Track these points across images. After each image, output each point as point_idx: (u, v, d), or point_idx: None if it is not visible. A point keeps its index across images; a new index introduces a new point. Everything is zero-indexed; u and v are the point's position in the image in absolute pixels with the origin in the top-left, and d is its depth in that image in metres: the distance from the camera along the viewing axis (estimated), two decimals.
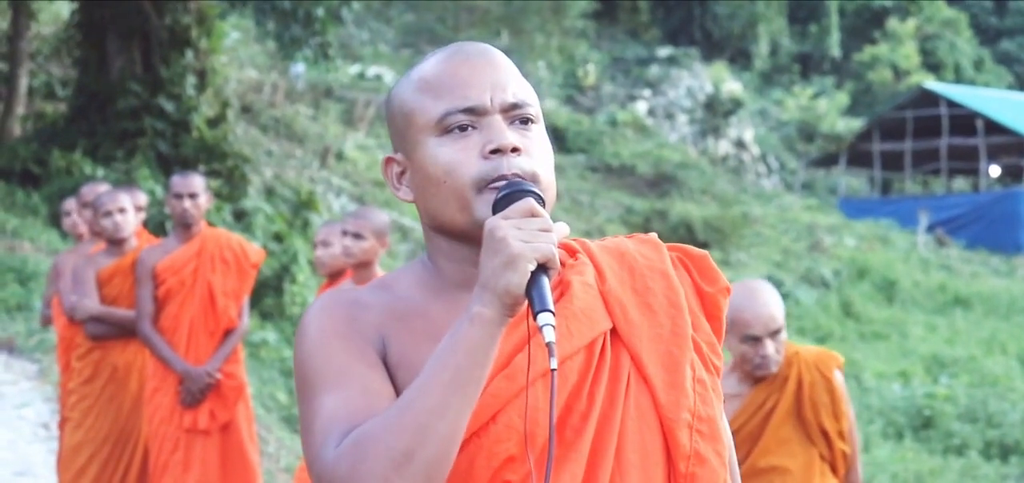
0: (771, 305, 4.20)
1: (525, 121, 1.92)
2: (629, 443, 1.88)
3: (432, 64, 1.96)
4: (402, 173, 1.98)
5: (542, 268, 1.74)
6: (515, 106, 1.91)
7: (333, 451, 1.73)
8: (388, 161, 1.99)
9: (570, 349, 1.85)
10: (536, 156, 1.90)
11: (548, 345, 1.71)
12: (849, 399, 4.39)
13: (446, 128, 1.89)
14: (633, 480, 1.87)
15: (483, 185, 1.86)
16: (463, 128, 1.89)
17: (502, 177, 1.86)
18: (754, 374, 4.28)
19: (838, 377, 4.35)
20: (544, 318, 1.72)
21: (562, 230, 1.79)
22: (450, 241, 1.93)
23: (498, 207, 1.81)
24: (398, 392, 1.82)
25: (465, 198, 1.87)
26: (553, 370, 1.71)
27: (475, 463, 1.81)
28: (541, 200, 1.82)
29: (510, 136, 1.88)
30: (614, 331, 1.93)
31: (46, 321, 8.17)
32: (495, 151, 1.87)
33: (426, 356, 1.81)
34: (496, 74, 1.93)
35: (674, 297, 1.97)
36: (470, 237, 1.89)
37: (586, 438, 1.85)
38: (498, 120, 1.89)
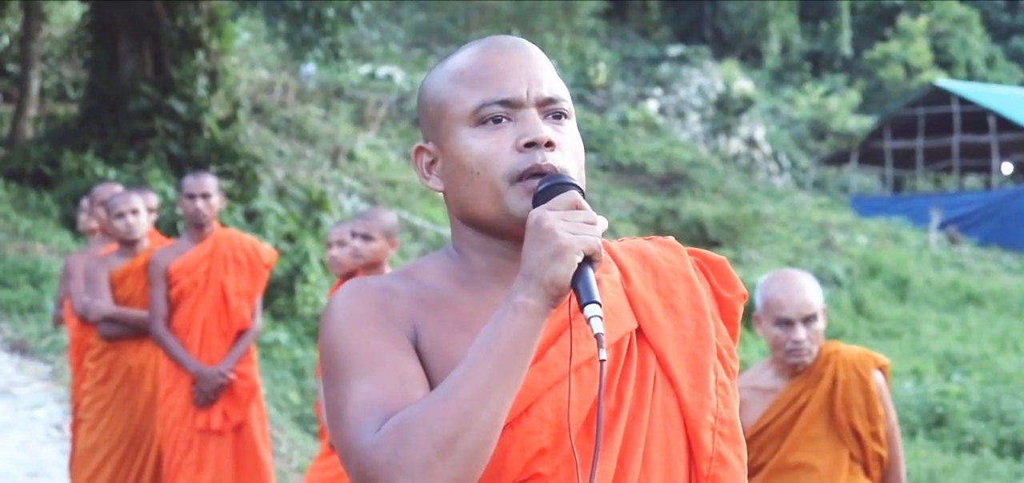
0: (806, 291, 4.18)
1: (559, 116, 1.92)
2: (655, 443, 1.88)
3: (467, 55, 1.94)
4: (432, 163, 1.97)
5: (587, 260, 1.74)
6: (550, 100, 1.91)
7: (371, 436, 1.72)
8: (418, 150, 1.98)
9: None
10: (569, 152, 1.90)
11: (597, 336, 1.71)
12: (890, 402, 4.32)
13: (481, 119, 1.89)
14: (657, 480, 1.88)
15: (517, 178, 1.86)
16: (498, 120, 1.88)
17: (537, 169, 1.85)
18: (787, 361, 4.23)
19: (877, 378, 4.28)
20: (591, 310, 1.72)
21: (603, 224, 1.78)
22: (480, 233, 1.93)
23: (539, 200, 1.81)
24: (430, 381, 1.82)
25: (498, 190, 1.87)
26: (602, 361, 1.71)
27: (508, 455, 1.81)
28: (582, 193, 1.82)
29: (545, 130, 1.87)
30: (639, 331, 1.93)
31: (58, 321, 8.18)
32: (530, 144, 1.86)
33: (458, 346, 1.81)
34: (532, 67, 1.92)
35: (697, 300, 1.98)
36: (501, 229, 1.89)
37: (617, 436, 1.85)
38: (533, 114, 1.89)
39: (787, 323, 4.18)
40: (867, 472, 4.31)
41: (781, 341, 4.20)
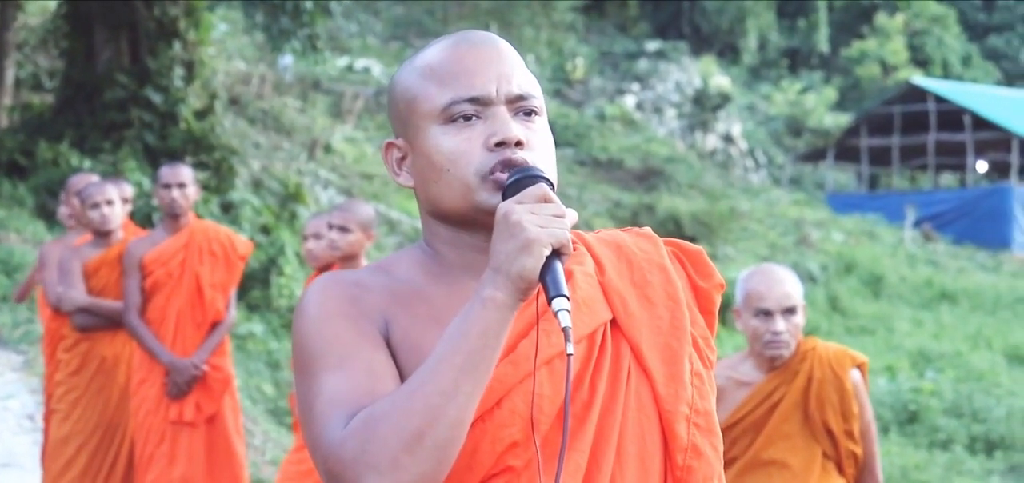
0: (786, 283, 4.20)
1: (529, 113, 1.91)
2: (629, 434, 1.88)
3: (437, 51, 1.94)
4: (403, 158, 1.96)
5: (556, 253, 1.73)
6: (520, 97, 1.90)
7: (339, 432, 1.72)
8: (388, 146, 1.98)
9: (573, 338, 1.83)
10: (539, 149, 1.89)
11: (564, 330, 1.71)
12: (866, 400, 4.31)
13: (450, 116, 1.88)
14: (631, 471, 1.88)
15: (487, 175, 1.85)
16: (468, 117, 1.88)
17: (508, 163, 1.85)
18: (765, 353, 4.23)
19: (854, 376, 4.27)
20: (559, 303, 1.72)
21: (572, 217, 1.78)
22: (451, 227, 1.93)
23: (508, 193, 1.80)
24: (402, 375, 1.81)
25: (468, 187, 1.86)
26: (569, 355, 1.71)
27: (479, 447, 1.80)
28: (551, 186, 1.82)
29: (515, 129, 1.87)
30: (614, 323, 1.93)
31: (20, 298, 8.30)
32: (500, 144, 1.86)
33: (430, 339, 1.80)
34: (502, 64, 1.91)
35: (672, 291, 1.97)
36: (471, 223, 1.89)
37: (589, 428, 1.85)
38: (503, 111, 1.88)
39: (767, 314, 4.18)
40: (841, 470, 4.30)
41: (760, 333, 4.20)
